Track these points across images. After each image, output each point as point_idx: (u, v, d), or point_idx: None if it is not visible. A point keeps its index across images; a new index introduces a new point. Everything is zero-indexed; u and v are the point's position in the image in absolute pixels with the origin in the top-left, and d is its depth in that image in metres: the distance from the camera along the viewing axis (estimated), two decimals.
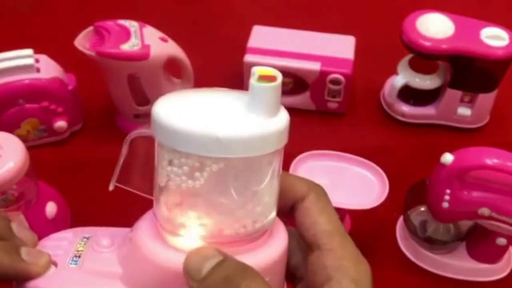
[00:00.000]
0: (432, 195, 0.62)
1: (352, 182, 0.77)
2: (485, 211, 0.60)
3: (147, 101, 0.81)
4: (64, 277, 0.33)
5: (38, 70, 0.76)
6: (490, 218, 0.60)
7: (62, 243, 0.35)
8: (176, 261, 0.30)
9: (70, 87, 0.80)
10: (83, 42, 0.75)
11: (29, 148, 0.63)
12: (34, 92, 0.76)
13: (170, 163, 0.30)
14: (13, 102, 0.76)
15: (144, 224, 0.33)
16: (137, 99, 0.81)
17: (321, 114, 0.87)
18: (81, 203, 0.75)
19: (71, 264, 0.33)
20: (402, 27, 0.78)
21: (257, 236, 0.32)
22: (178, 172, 0.30)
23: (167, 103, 0.31)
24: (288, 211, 0.34)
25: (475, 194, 0.60)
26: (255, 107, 0.30)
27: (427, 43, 0.76)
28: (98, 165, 0.81)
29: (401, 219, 0.72)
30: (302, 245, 0.34)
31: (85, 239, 0.35)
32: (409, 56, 0.83)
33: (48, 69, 0.77)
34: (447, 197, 0.60)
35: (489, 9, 1.04)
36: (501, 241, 0.64)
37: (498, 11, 1.04)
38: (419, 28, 0.77)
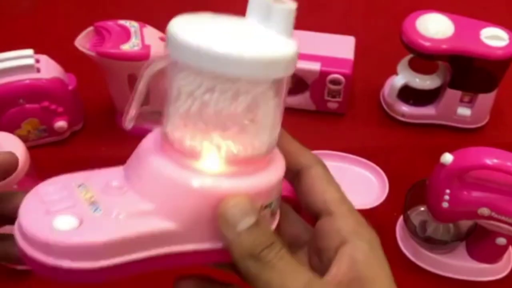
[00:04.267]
0: (432, 195, 0.62)
1: (352, 182, 0.78)
2: (485, 211, 0.60)
3: (147, 101, 0.81)
4: (104, 227, 0.30)
5: (38, 70, 0.76)
6: (490, 218, 0.60)
7: (62, 194, 0.32)
8: (214, 185, 0.30)
9: (70, 87, 0.80)
10: (83, 42, 0.75)
11: (30, 148, 0.63)
12: (35, 92, 0.76)
13: (209, 89, 0.30)
14: (14, 102, 0.76)
15: (155, 154, 0.32)
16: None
17: (321, 114, 0.87)
18: None
19: (96, 212, 0.30)
20: (402, 27, 0.78)
21: (265, 158, 0.33)
22: (219, 98, 0.30)
23: (199, 31, 0.31)
24: (291, 176, 0.35)
25: (475, 194, 0.60)
26: (281, 30, 0.31)
27: (427, 43, 0.76)
28: (99, 165, 0.80)
29: (401, 219, 0.72)
30: (303, 215, 0.36)
31: (82, 186, 0.32)
32: (409, 56, 0.83)
33: (48, 69, 0.77)
34: (447, 197, 0.60)
35: (489, 9, 1.04)
36: (501, 241, 0.64)
37: (498, 11, 1.04)
38: (419, 28, 0.77)
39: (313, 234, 0.34)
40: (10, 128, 0.75)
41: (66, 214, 0.30)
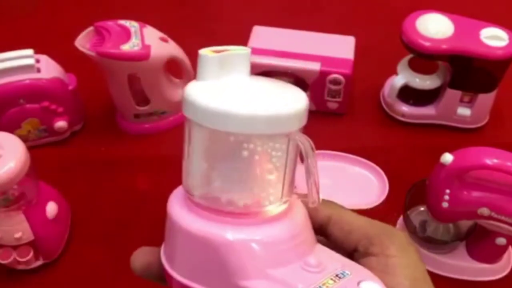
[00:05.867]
0: (432, 195, 0.62)
1: (352, 182, 0.78)
2: (484, 211, 0.60)
3: (147, 101, 0.81)
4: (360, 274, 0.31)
5: (38, 70, 0.76)
6: (489, 218, 0.60)
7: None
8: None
9: (70, 87, 0.80)
10: (83, 42, 0.75)
11: (30, 148, 0.63)
12: (35, 92, 0.76)
13: (244, 147, 0.31)
14: (14, 102, 0.76)
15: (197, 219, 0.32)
16: (137, 99, 0.81)
17: (321, 114, 0.87)
18: (81, 203, 0.75)
19: (346, 276, 0.31)
20: (402, 27, 0.78)
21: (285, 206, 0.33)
22: (257, 153, 0.31)
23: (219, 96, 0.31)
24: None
25: (475, 194, 0.60)
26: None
27: (426, 43, 0.76)
28: (99, 165, 0.81)
29: (401, 219, 0.72)
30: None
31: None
32: (409, 56, 0.83)
33: (48, 69, 0.77)
34: (446, 197, 0.60)
35: (489, 9, 1.04)
36: (501, 241, 0.64)
37: (498, 11, 1.04)
38: (419, 28, 0.77)
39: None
40: (10, 128, 0.75)
41: (366, 280, 0.31)
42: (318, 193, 0.33)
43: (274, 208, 0.33)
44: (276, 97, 0.32)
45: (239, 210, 0.32)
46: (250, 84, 0.33)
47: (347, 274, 0.31)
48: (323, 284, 0.30)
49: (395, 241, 0.33)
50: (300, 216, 0.34)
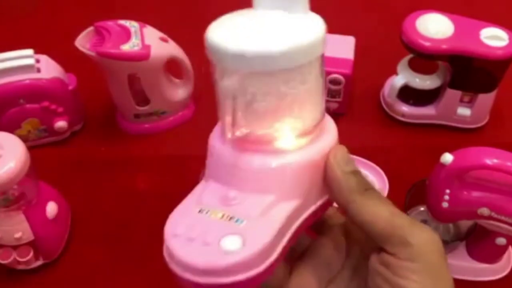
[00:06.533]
0: (432, 195, 0.62)
1: None
2: (484, 211, 0.60)
3: (147, 101, 0.81)
4: (258, 232, 0.33)
5: (38, 70, 0.76)
6: (489, 218, 0.60)
7: (201, 224, 0.33)
8: (309, 156, 0.35)
9: (70, 87, 0.80)
10: (83, 42, 0.75)
11: (30, 148, 0.63)
12: (35, 92, 0.76)
13: (286, 82, 0.33)
14: (14, 102, 0.76)
15: (244, 154, 0.35)
16: (137, 99, 0.81)
17: None
18: (81, 203, 0.75)
19: (241, 224, 0.33)
20: (402, 27, 0.78)
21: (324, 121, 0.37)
22: (293, 85, 0.33)
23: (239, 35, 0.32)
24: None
25: (475, 194, 0.60)
26: (301, 9, 0.34)
27: (426, 43, 0.76)
28: (99, 165, 0.81)
29: None
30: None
31: (204, 211, 0.34)
32: (409, 56, 0.83)
33: (48, 69, 0.77)
34: (446, 197, 0.60)
35: (489, 9, 1.04)
36: (501, 241, 0.64)
37: (498, 11, 1.04)
38: (419, 28, 0.77)
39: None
40: (10, 128, 0.75)
41: (225, 236, 0.32)
42: None
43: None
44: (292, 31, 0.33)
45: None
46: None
47: (240, 221, 0.33)
48: (212, 212, 0.33)
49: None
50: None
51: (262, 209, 0.33)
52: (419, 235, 0.34)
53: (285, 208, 0.34)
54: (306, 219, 0.36)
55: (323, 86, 0.36)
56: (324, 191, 0.37)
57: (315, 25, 0.34)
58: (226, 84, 0.33)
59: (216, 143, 0.36)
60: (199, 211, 0.34)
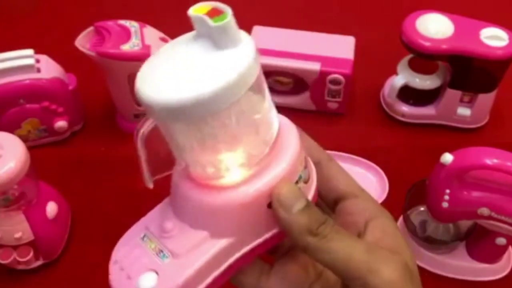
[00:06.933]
0: (432, 195, 0.62)
1: None
2: (484, 211, 0.60)
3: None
4: (176, 270, 0.33)
5: (38, 70, 0.76)
6: (489, 218, 0.60)
7: (135, 253, 0.35)
8: (252, 192, 0.33)
9: (70, 87, 0.80)
10: (83, 42, 0.75)
11: (30, 148, 0.63)
12: (35, 92, 0.76)
13: (202, 131, 0.32)
14: (14, 102, 0.76)
15: (191, 188, 0.34)
16: (137, 99, 0.81)
17: (321, 114, 0.87)
18: (81, 203, 0.75)
19: (165, 259, 0.34)
20: (402, 27, 0.78)
21: (273, 147, 0.35)
22: (213, 132, 0.32)
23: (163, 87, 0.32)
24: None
25: (475, 194, 0.60)
26: (227, 44, 0.31)
27: (426, 43, 0.76)
28: (99, 165, 0.81)
29: (401, 219, 0.72)
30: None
31: (146, 237, 0.35)
32: (409, 56, 0.83)
33: (48, 69, 0.77)
34: (446, 197, 0.60)
35: (489, 9, 1.04)
36: (501, 241, 0.64)
37: (498, 11, 1.04)
38: (419, 28, 0.77)
39: (337, 213, 0.38)
40: (10, 128, 0.75)
41: (144, 273, 0.33)
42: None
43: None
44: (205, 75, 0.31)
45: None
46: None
47: (165, 257, 0.34)
48: (148, 242, 0.35)
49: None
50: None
51: (192, 245, 0.33)
52: (379, 276, 0.33)
53: (217, 245, 0.33)
54: (252, 251, 0.35)
55: (266, 114, 0.33)
56: (274, 225, 0.35)
57: (238, 63, 0.30)
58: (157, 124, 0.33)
59: (180, 179, 0.36)
60: (142, 236, 0.36)
